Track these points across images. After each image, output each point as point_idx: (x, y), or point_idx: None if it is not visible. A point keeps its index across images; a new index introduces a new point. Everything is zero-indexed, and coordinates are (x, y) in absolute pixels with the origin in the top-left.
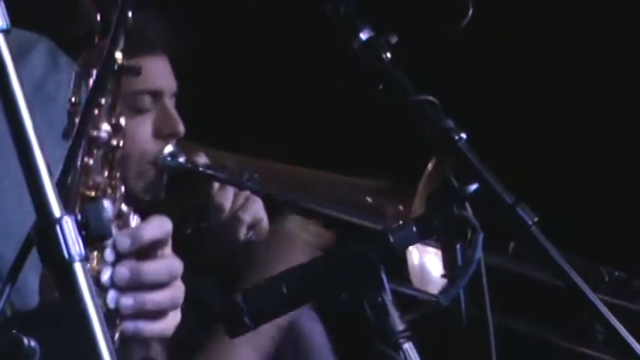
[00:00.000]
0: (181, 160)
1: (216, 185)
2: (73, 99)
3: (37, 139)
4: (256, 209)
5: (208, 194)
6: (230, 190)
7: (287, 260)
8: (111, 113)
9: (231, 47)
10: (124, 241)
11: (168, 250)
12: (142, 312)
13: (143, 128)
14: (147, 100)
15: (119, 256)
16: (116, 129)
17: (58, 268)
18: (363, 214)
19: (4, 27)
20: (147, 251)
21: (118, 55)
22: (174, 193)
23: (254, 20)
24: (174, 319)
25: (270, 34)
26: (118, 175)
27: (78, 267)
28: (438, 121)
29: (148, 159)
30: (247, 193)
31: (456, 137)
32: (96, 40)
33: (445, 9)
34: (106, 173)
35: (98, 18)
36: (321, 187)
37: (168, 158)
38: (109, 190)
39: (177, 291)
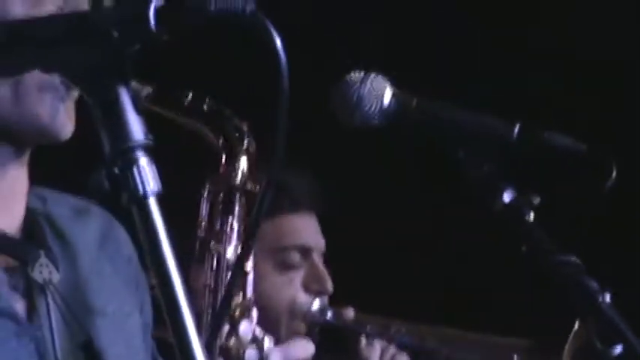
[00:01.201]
0: (329, 315)
1: (364, 340)
2: (204, 223)
3: (186, 302)
4: None
5: (356, 349)
6: (377, 346)
7: None
8: (240, 238)
9: (372, 205)
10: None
11: None
12: None
13: (293, 284)
14: (296, 257)
15: None
16: (246, 253)
17: None
18: None
19: (157, 190)
20: None
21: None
22: (324, 348)
23: (394, 177)
24: None
25: (410, 192)
26: (252, 298)
27: None
28: (582, 283)
29: (297, 315)
30: (394, 349)
31: (600, 299)
32: (220, 168)
33: (588, 169)
34: (240, 296)
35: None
36: (468, 345)
37: (317, 314)
38: (246, 312)
39: None
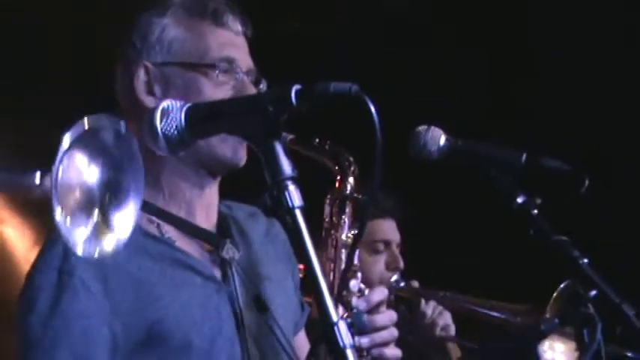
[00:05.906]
0: (402, 284)
1: (423, 301)
2: (327, 219)
3: (321, 272)
4: (447, 317)
5: (418, 306)
6: (431, 304)
7: None
8: (350, 228)
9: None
10: (363, 304)
11: (384, 306)
12: (375, 345)
13: (378, 264)
14: (381, 246)
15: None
16: (356, 238)
17: (338, 354)
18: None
19: (301, 205)
20: (376, 308)
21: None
22: (399, 306)
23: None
24: (394, 349)
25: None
26: (358, 265)
27: (349, 352)
28: (569, 252)
29: (383, 284)
30: (441, 307)
31: (580, 262)
32: (337, 184)
33: (566, 180)
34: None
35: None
36: (488, 307)
37: (395, 284)
38: (354, 274)
39: (394, 331)
